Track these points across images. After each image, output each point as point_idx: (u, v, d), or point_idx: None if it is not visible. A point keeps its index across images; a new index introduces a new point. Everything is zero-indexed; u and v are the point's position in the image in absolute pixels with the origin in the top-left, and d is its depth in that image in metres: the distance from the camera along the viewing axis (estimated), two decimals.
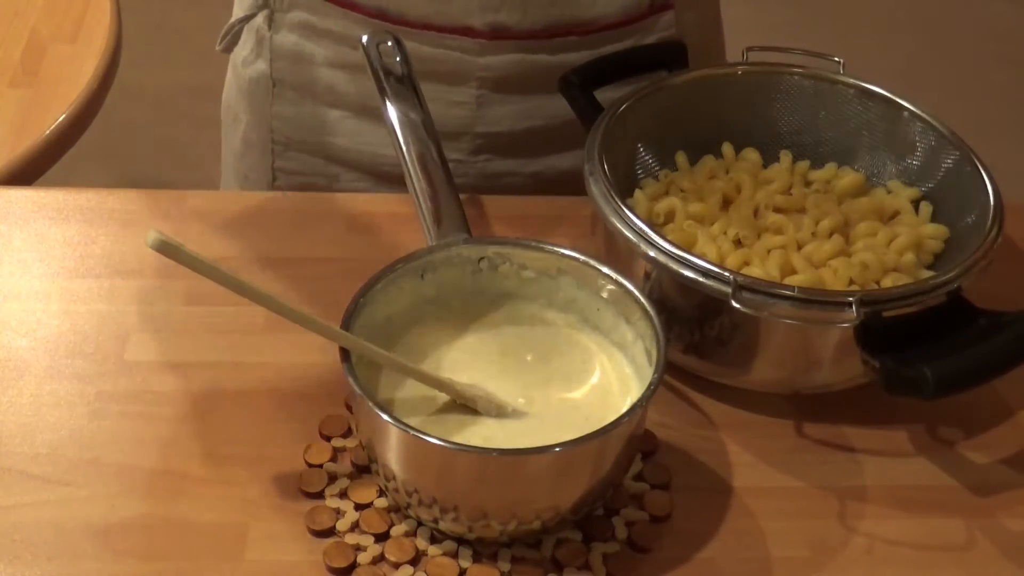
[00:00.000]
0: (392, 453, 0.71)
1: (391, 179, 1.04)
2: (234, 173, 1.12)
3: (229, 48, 1.09)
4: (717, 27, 1.11)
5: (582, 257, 0.79)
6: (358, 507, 0.75)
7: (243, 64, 1.07)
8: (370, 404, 0.69)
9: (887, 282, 0.82)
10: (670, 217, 0.87)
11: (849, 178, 0.91)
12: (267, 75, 1.05)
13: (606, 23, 0.98)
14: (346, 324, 0.73)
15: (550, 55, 0.98)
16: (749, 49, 0.94)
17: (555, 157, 1.05)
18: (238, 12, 1.06)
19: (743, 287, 0.75)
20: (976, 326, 0.77)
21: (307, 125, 1.05)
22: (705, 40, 1.06)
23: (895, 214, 0.89)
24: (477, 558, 0.73)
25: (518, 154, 1.04)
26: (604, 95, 0.92)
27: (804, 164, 0.92)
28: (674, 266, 0.77)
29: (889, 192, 0.91)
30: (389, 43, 0.88)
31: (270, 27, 1.03)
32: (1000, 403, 0.85)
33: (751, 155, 0.93)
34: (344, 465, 0.78)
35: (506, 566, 0.73)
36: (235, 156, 1.12)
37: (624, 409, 0.72)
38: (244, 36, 1.07)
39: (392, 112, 0.85)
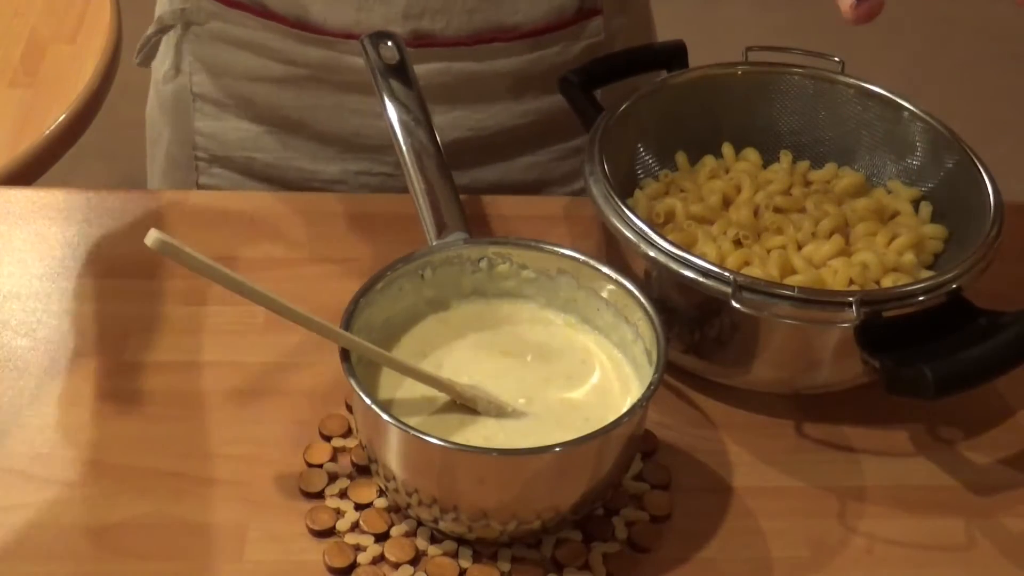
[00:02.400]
0: (392, 453, 0.71)
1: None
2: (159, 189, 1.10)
3: (146, 62, 1.06)
4: (649, 32, 1.10)
5: (582, 257, 0.79)
6: (358, 507, 0.75)
7: (164, 79, 1.05)
8: (370, 404, 0.69)
9: (887, 282, 0.82)
10: (670, 217, 0.87)
11: (849, 178, 0.91)
12: (187, 89, 1.03)
13: (531, 29, 0.97)
14: (346, 324, 0.73)
15: (476, 62, 0.97)
16: (749, 49, 0.94)
17: (482, 169, 1.03)
18: (155, 24, 1.03)
19: (743, 287, 0.75)
20: (976, 326, 0.77)
21: (230, 140, 1.03)
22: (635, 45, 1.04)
23: (895, 214, 0.89)
24: (477, 558, 0.73)
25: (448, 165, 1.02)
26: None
27: (804, 164, 0.93)
28: (674, 266, 0.77)
29: (889, 192, 0.91)
30: (389, 44, 0.88)
31: (187, 39, 1.01)
32: (1000, 403, 0.85)
33: (751, 155, 0.93)
34: (344, 465, 0.78)
35: (506, 566, 0.73)
36: (160, 174, 1.09)
37: (624, 409, 0.72)
38: (163, 49, 1.04)
39: (391, 113, 0.85)
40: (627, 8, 1.04)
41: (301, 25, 0.96)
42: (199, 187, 1.06)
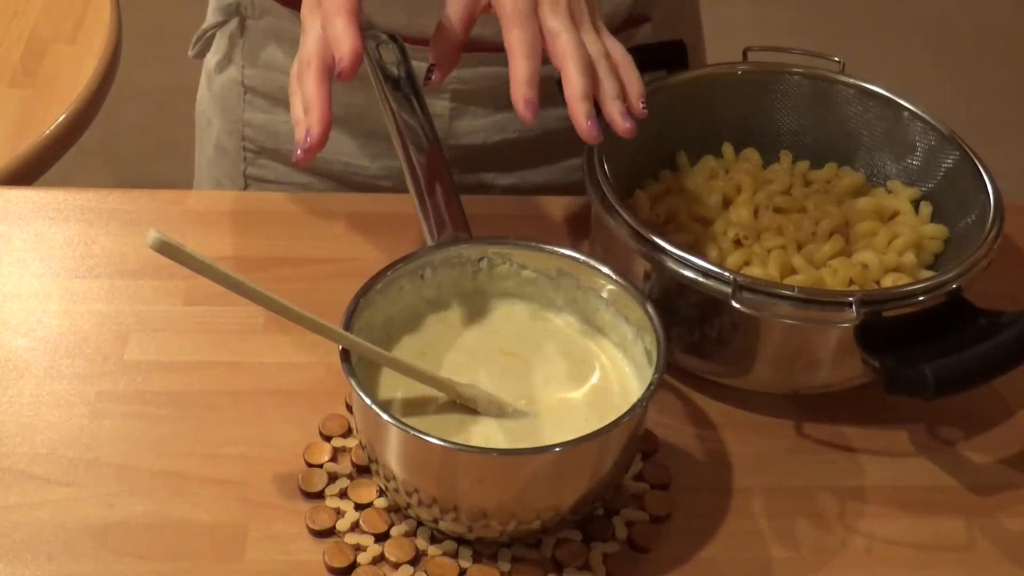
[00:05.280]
0: (392, 453, 0.71)
1: (362, 189, 1.04)
2: (207, 178, 1.12)
3: (201, 54, 1.08)
4: (698, 41, 1.10)
5: (582, 257, 0.79)
6: (358, 507, 0.75)
7: (216, 69, 1.06)
8: (370, 404, 0.69)
9: (887, 282, 0.82)
10: (670, 217, 0.87)
11: (849, 178, 0.91)
12: (239, 81, 1.04)
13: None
14: (346, 324, 0.73)
15: None
16: (749, 49, 0.94)
17: (528, 171, 1.04)
18: (211, 18, 1.05)
19: (743, 287, 0.75)
20: (976, 326, 0.77)
21: (279, 133, 1.04)
22: None
23: (895, 214, 0.89)
24: (477, 558, 0.73)
25: (491, 167, 1.03)
26: None
27: (804, 164, 0.93)
28: (674, 266, 0.77)
29: (889, 192, 0.91)
30: (390, 44, 0.88)
31: (242, 34, 1.03)
32: (1000, 403, 0.85)
33: (751, 155, 0.93)
34: (344, 465, 0.78)
35: (506, 566, 0.73)
36: (207, 161, 1.11)
37: (624, 409, 0.72)
38: (216, 42, 1.06)
39: (392, 112, 0.85)
40: (677, 18, 1.04)
41: None
42: (246, 177, 1.07)
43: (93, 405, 0.81)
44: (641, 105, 0.79)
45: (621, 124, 0.77)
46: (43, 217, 0.94)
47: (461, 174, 1.02)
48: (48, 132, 1.22)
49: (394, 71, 0.87)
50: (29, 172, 1.20)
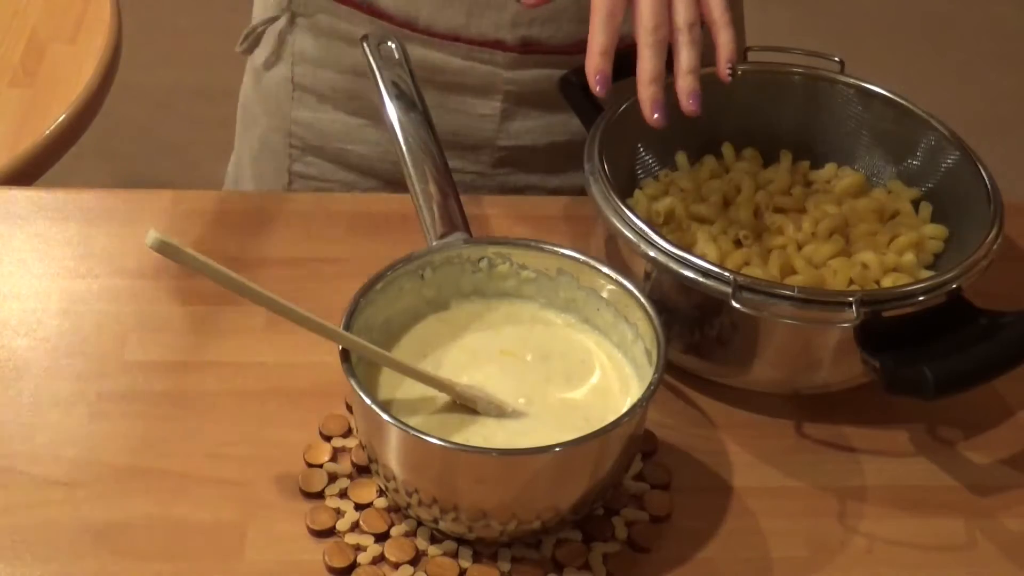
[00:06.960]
0: (392, 453, 0.71)
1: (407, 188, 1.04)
2: (250, 174, 1.11)
3: (250, 50, 1.08)
4: (742, 40, 1.10)
5: (582, 257, 0.79)
6: (358, 507, 0.75)
7: (264, 66, 1.06)
8: (370, 404, 0.69)
9: (887, 282, 0.82)
10: (670, 217, 0.87)
11: (849, 178, 0.91)
12: (288, 79, 1.04)
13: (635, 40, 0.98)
14: (346, 324, 0.73)
15: None
16: (749, 49, 0.95)
17: (576, 174, 1.04)
18: (260, 14, 1.05)
19: (743, 287, 0.75)
20: (976, 326, 0.77)
21: (327, 131, 1.04)
22: None
23: (895, 214, 0.89)
24: (477, 558, 0.73)
25: (539, 169, 1.03)
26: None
27: (804, 164, 0.93)
28: (674, 266, 0.77)
29: (889, 192, 0.91)
30: (391, 44, 0.88)
31: (292, 31, 1.03)
32: (1000, 403, 0.85)
33: (751, 155, 0.93)
34: (344, 465, 0.78)
35: (506, 566, 0.73)
36: (251, 157, 1.11)
37: (624, 409, 0.72)
38: (265, 39, 1.06)
39: (392, 112, 0.85)
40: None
41: (408, 25, 0.96)
42: (291, 174, 1.07)
43: (93, 405, 0.81)
44: (728, 70, 0.78)
45: (685, 104, 0.78)
46: (43, 217, 0.94)
47: (508, 175, 1.03)
48: (48, 132, 1.22)
49: (395, 70, 0.87)
50: (29, 172, 1.20)
